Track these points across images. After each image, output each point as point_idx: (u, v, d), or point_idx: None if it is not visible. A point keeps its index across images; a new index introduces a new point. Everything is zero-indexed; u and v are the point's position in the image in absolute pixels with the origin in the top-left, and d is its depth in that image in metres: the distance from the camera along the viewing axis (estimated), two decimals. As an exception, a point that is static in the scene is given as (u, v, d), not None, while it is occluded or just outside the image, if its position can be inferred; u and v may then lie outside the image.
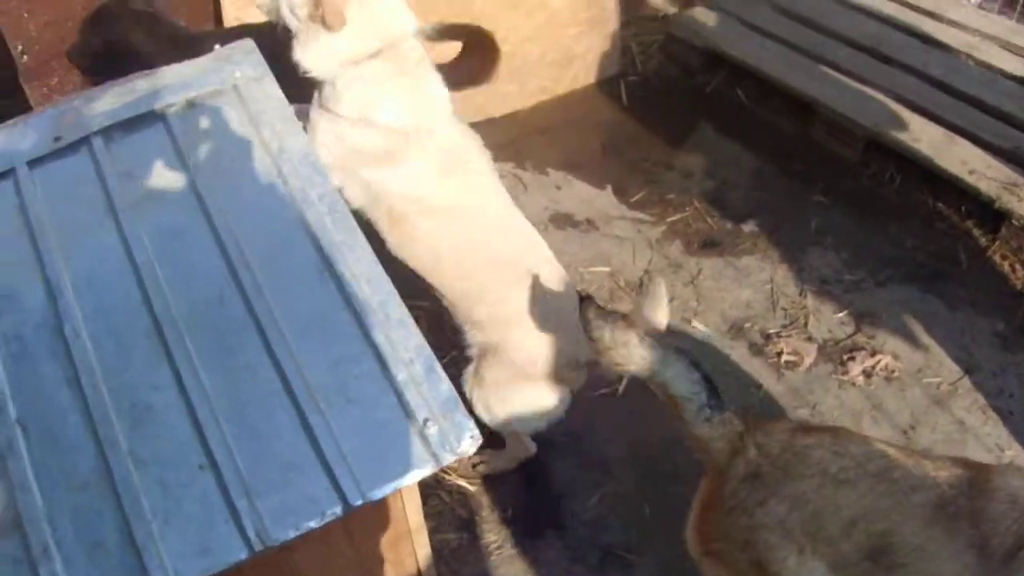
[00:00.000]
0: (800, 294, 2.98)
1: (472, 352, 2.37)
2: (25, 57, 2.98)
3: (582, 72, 3.87)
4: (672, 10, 4.23)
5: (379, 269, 1.68)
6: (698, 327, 2.88)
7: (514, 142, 3.56)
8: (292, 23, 2.09)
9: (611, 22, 3.86)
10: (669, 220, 3.27)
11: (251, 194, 1.79)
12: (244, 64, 1.97)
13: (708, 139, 3.68)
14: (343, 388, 1.55)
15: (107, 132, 1.88)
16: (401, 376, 1.54)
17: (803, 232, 3.19)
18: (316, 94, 2.16)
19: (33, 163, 1.85)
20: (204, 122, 1.89)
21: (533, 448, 2.53)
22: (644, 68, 4.01)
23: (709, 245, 3.15)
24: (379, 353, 1.57)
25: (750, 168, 3.50)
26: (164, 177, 1.82)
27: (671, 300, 2.74)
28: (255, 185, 1.81)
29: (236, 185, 1.80)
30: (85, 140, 1.87)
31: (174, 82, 1.94)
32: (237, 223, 1.74)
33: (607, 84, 3.90)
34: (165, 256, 1.71)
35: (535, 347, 2.26)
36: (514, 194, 2.41)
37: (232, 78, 1.94)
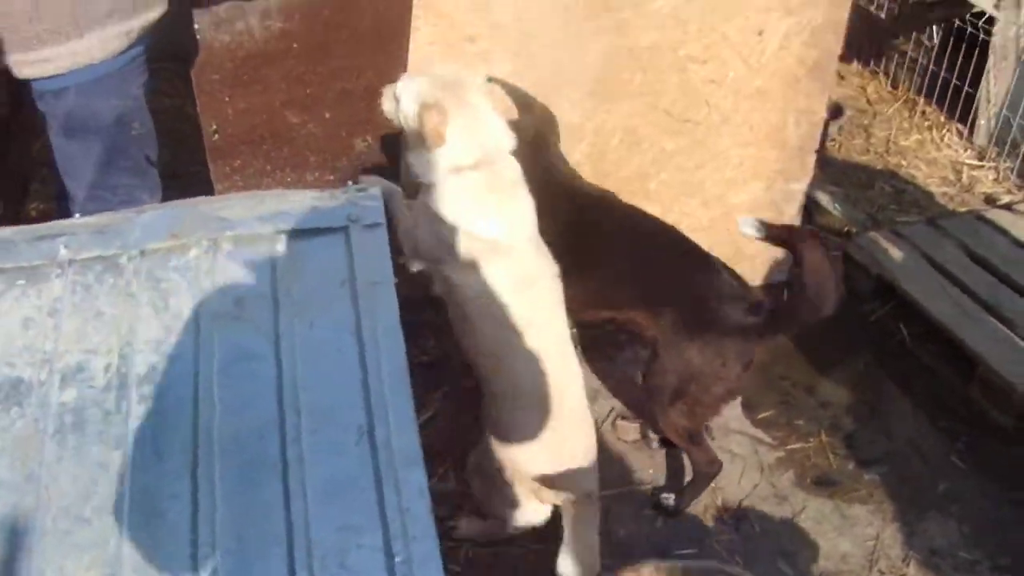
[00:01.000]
0: (904, 560, 2.90)
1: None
2: (216, 136, 3.25)
3: (748, 273, 3.83)
4: (854, 228, 4.10)
5: (415, 440, 1.77)
6: (784, 569, 2.71)
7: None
8: (407, 131, 2.56)
9: (787, 228, 3.76)
10: (790, 447, 3.24)
11: (325, 340, 1.96)
12: (366, 210, 2.16)
13: (858, 371, 3.64)
14: (342, 554, 1.64)
15: (216, 242, 2.07)
16: (400, 559, 1.62)
17: (928, 494, 3.10)
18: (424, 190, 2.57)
19: (144, 252, 2.05)
20: (307, 254, 2.06)
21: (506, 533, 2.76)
22: (811, 280, 3.89)
23: (823, 483, 3.10)
24: (387, 531, 1.66)
25: (892, 412, 3.43)
26: (254, 299, 1.99)
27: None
28: (332, 334, 1.96)
29: (314, 326, 1.99)
30: (197, 242, 2.06)
31: (296, 209, 2.14)
32: (301, 365, 1.90)
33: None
34: (227, 376, 1.86)
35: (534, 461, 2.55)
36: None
37: (348, 219, 2.11)
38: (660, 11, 3.26)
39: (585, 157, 3.43)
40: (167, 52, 3.07)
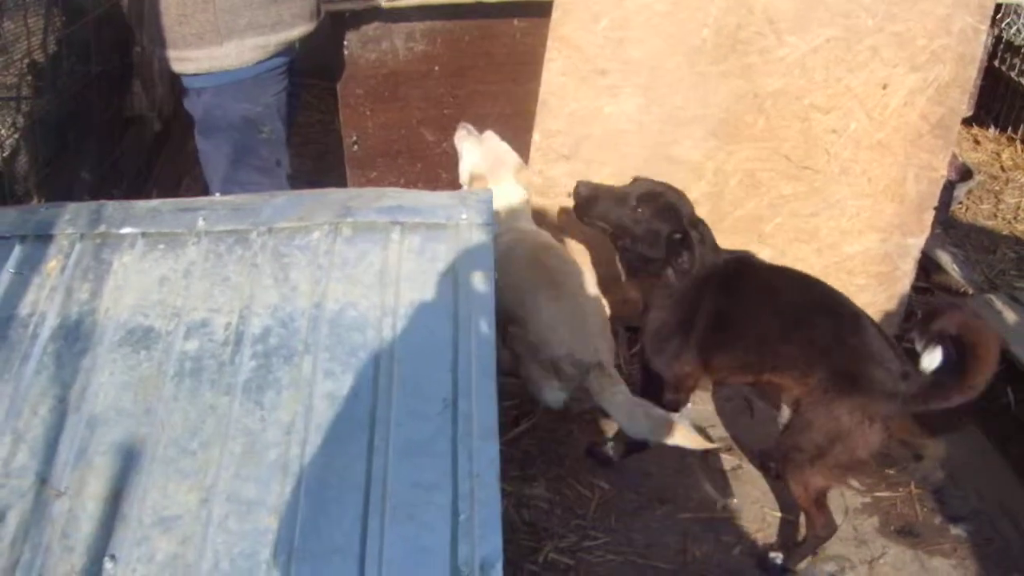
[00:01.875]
0: (982, 617, 2.76)
1: None
2: (356, 147, 3.43)
3: (858, 325, 3.80)
4: (971, 289, 4.06)
5: (494, 416, 1.92)
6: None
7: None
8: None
9: (902, 283, 3.84)
10: (877, 494, 3.23)
11: (424, 320, 2.14)
12: (474, 210, 2.32)
13: (958, 428, 3.51)
14: (412, 507, 1.80)
15: (337, 226, 2.26)
16: (463, 517, 1.77)
17: (1014, 557, 3.00)
18: None
19: (272, 230, 2.26)
20: (418, 244, 2.24)
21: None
22: (922, 342, 3.85)
23: (905, 533, 3.08)
24: (456, 492, 1.82)
25: (989, 472, 3.37)
26: (364, 277, 2.18)
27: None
28: (431, 315, 2.14)
29: (416, 306, 2.15)
30: (320, 225, 2.26)
31: (411, 205, 2.33)
32: (400, 339, 2.08)
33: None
34: (332, 342, 2.06)
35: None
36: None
37: (458, 218, 2.20)
38: (786, 59, 3.35)
39: (703, 196, 3.51)
40: (319, 70, 3.32)
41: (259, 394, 1.97)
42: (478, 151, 3.32)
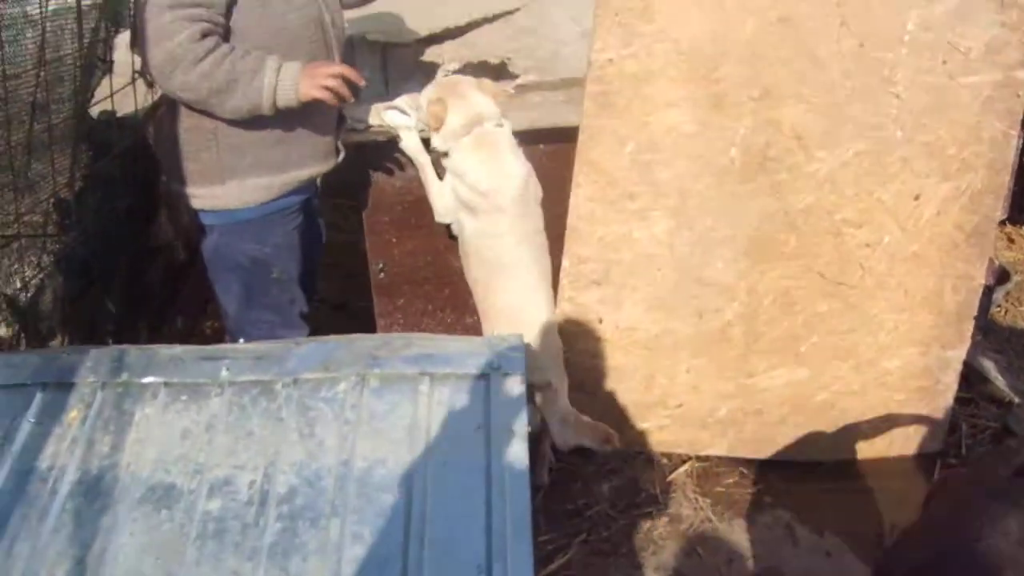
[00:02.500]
0: None
1: None
2: (382, 274, 3.39)
3: (899, 441, 3.73)
4: (1016, 399, 3.93)
5: None
6: None
7: (805, 492, 3.43)
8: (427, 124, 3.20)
9: (945, 396, 3.73)
10: None
11: (455, 480, 2.05)
12: (507, 360, 2.25)
13: None
14: None
15: (365, 378, 2.19)
16: None
17: None
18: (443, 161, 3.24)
19: (297, 381, 2.20)
20: (448, 397, 2.17)
21: None
22: (968, 455, 3.74)
23: None
24: None
25: None
26: (392, 433, 2.10)
27: None
28: (463, 474, 2.06)
29: (447, 466, 2.10)
30: (346, 376, 2.20)
31: (441, 354, 2.26)
32: (431, 501, 2.00)
33: (923, 460, 3.72)
34: (359, 504, 1.98)
35: None
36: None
37: (489, 367, 2.14)
38: (816, 175, 3.29)
39: (737, 318, 3.44)
40: (344, 187, 3.29)
41: (284, 559, 1.88)
42: (430, 85, 3.30)
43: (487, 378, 2.15)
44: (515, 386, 2.13)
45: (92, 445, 2.14)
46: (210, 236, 2.96)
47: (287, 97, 2.70)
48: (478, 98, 3.19)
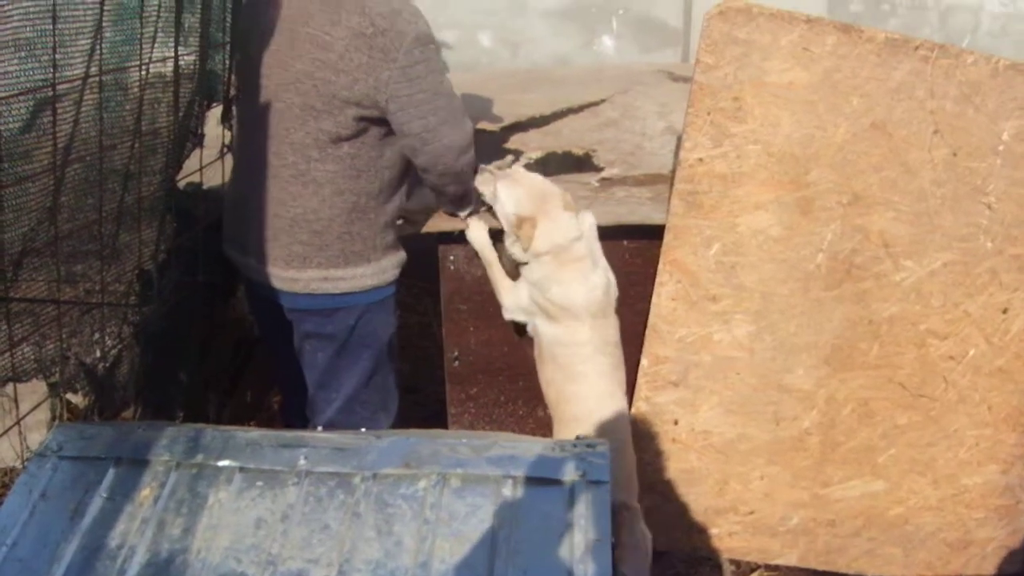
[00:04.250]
0: None
1: None
2: (457, 363, 3.34)
3: (976, 560, 3.56)
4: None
5: None
6: None
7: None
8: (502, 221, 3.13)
9: (1024, 516, 3.48)
10: None
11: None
12: (593, 466, 2.15)
13: None
14: None
15: (446, 477, 2.11)
16: None
17: None
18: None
19: (377, 476, 2.12)
20: (531, 503, 2.06)
21: None
22: (1047, 559, 3.56)
23: None
24: None
25: None
26: (473, 538, 1.99)
27: None
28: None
29: (527, 573, 1.99)
30: (427, 474, 2.11)
31: (524, 456, 2.16)
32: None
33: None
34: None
35: None
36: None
37: (575, 474, 2.02)
38: (902, 284, 3.20)
39: (815, 426, 3.33)
40: (418, 270, 3.24)
41: (356, 667, 1.80)
42: (519, 189, 3.09)
43: (572, 485, 2.06)
44: (601, 493, 2.03)
45: (163, 527, 2.08)
46: (346, 317, 2.94)
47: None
48: (565, 220, 3.07)
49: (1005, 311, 3.29)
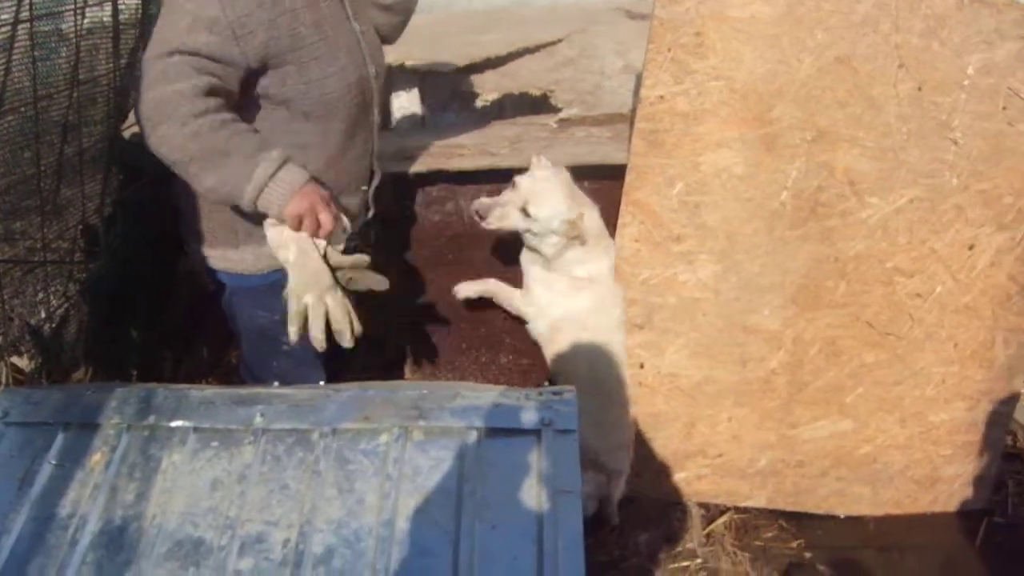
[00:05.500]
0: None
1: None
2: (417, 310, 3.26)
3: (944, 497, 3.56)
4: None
5: None
6: None
7: (846, 547, 3.27)
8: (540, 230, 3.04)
9: (991, 453, 3.59)
10: None
11: (504, 545, 1.90)
12: (560, 415, 2.07)
13: None
14: None
15: (408, 429, 2.03)
16: None
17: None
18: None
19: (336, 431, 2.04)
20: (496, 454, 2.00)
21: None
22: (1015, 513, 3.58)
23: None
24: None
25: None
26: (438, 493, 1.94)
27: None
28: (512, 539, 1.90)
29: (496, 529, 1.93)
30: (388, 428, 2.04)
31: (489, 406, 2.09)
32: (478, 569, 1.83)
33: (967, 518, 3.57)
34: (402, 570, 1.81)
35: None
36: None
37: (542, 423, 1.99)
38: (868, 221, 3.15)
39: (782, 366, 3.29)
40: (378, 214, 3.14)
41: (320, 629, 1.73)
42: (551, 198, 2.99)
43: (538, 434, 1.99)
44: (568, 443, 1.97)
45: (116, 492, 2.00)
46: (224, 295, 2.77)
47: (270, 201, 2.33)
48: (584, 195, 3.10)
49: (971, 247, 3.25)
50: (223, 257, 2.66)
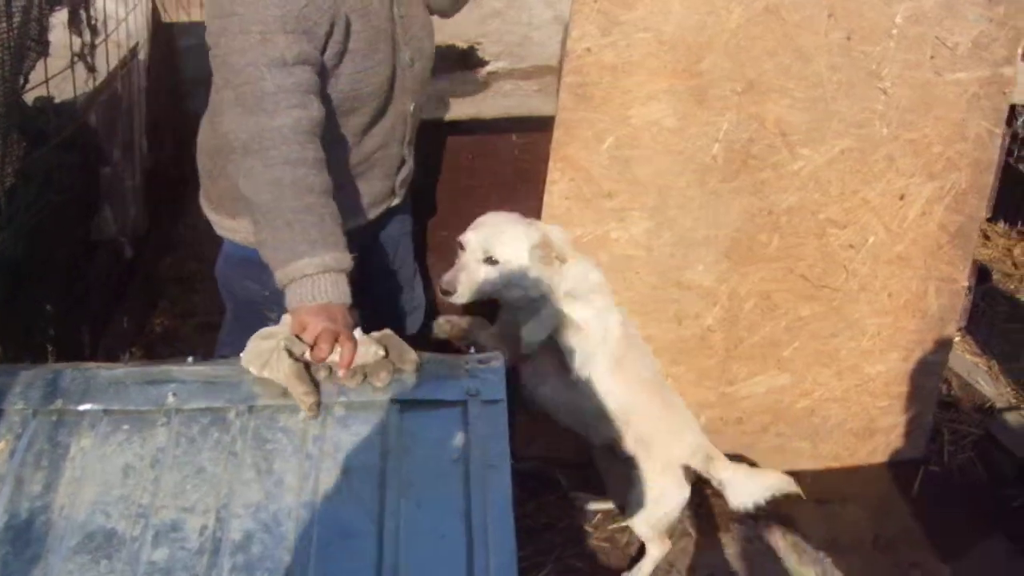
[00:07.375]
0: None
1: None
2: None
3: (881, 448, 3.58)
4: (1000, 403, 3.78)
5: None
6: None
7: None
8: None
9: (926, 403, 3.61)
10: None
11: (431, 523, 1.81)
12: (486, 383, 1.99)
13: (992, 559, 3.32)
14: None
15: (328, 405, 1.94)
16: None
17: None
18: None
19: (253, 409, 1.94)
20: (421, 427, 1.91)
21: None
22: (949, 461, 3.65)
23: None
24: None
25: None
26: (360, 471, 1.84)
27: None
28: (440, 516, 1.81)
29: (421, 506, 1.84)
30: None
31: (412, 379, 1.99)
32: (405, 548, 1.73)
33: (904, 467, 3.60)
34: (325, 553, 1.72)
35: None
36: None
37: (468, 394, 1.87)
38: (800, 173, 3.11)
39: (718, 323, 3.26)
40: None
41: (240, 620, 1.65)
42: (511, 220, 2.76)
43: (464, 405, 1.91)
44: (496, 413, 1.89)
45: (22, 484, 1.87)
46: (219, 257, 2.67)
47: (292, 300, 2.07)
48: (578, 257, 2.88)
49: (902, 197, 3.23)
50: (219, 224, 2.57)
